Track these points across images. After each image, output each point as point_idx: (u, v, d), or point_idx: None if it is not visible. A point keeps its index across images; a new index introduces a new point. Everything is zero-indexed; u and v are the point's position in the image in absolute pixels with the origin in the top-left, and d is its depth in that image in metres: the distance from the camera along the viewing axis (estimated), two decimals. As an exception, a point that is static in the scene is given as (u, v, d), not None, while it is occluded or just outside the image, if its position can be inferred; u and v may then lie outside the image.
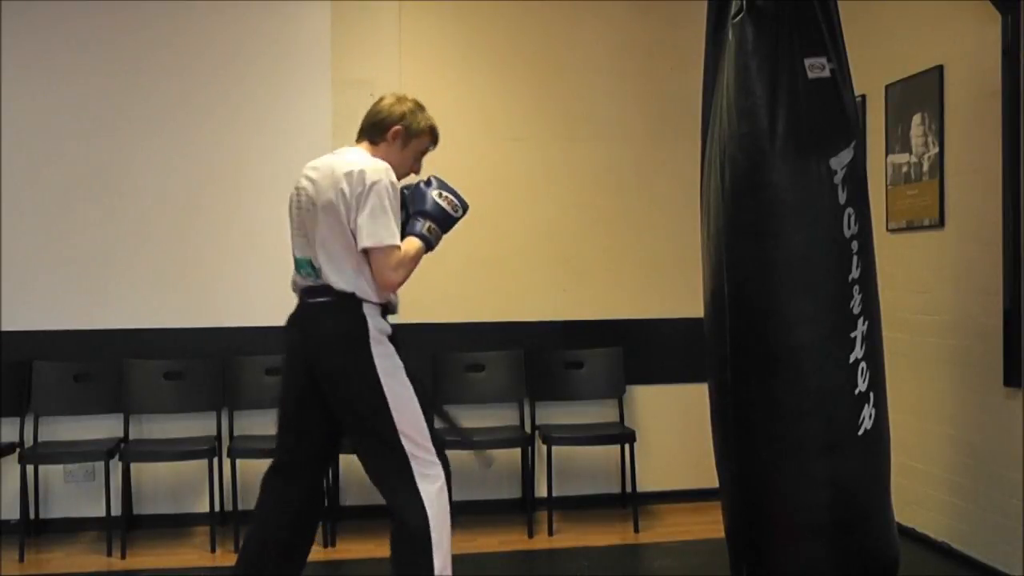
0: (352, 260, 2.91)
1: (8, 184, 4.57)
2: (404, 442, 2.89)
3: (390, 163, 3.00)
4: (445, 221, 3.04)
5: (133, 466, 4.52)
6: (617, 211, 5.03)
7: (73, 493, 4.60)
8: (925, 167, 4.09)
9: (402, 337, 3.02)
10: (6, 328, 4.54)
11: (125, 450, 4.39)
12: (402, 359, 2.96)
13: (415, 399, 2.93)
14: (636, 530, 4.57)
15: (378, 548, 4.29)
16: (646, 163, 5.05)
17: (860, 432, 3.04)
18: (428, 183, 3.07)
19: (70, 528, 4.55)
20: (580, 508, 4.83)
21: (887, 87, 4.33)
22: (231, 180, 4.76)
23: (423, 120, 3.07)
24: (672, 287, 4.97)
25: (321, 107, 4.79)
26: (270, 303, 4.70)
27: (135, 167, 4.67)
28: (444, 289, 4.87)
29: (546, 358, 4.90)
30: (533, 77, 4.98)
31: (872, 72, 4.33)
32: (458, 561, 4.17)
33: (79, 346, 4.60)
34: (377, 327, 2.92)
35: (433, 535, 2.89)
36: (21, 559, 4.19)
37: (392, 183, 2.91)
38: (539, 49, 4.99)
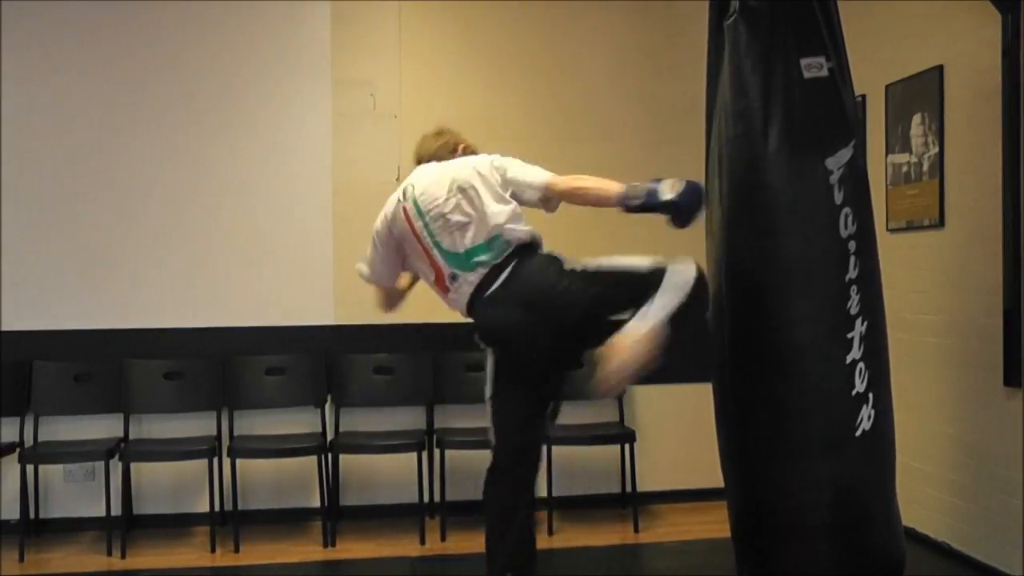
0: (506, 215, 3.06)
1: (8, 184, 4.57)
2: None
3: None
4: (655, 204, 3.00)
5: (133, 466, 4.53)
6: (617, 210, 5.01)
7: (73, 493, 4.60)
8: (925, 167, 4.09)
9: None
10: (6, 328, 4.55)
11: (125, 450, 4.39)
12: None
13: None
14: (636, 530, 4.56)
15: (378, 548, 4.30)
16: (647, 163, 5.02)
17: (858, 433, 3.03)
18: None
19: (70, 528, 4.55)
20: (580, 508, 4.83)
21: (887, 87, 4.33)
22: (231, 180, 4.76)
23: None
24: (672, 287, 4.95)
25: (321, 107, 4.80)
26: (270, 303, 4.76)
27: (134, 167, 4.67)
28: (444, 289, 4.86)
29: (546, 358, 4.89)
30: (533, 77, 4.98)
31: (872, 72, 4.33)
32: (458, 560, 4.20)
33: (79, 346, 4.60)
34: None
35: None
36: (21, 559, 4.19)
37: None
38: (539, 49, 4.99)
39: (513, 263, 3.03)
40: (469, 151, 3.36)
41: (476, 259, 3.04)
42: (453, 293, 3.10)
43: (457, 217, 3.07)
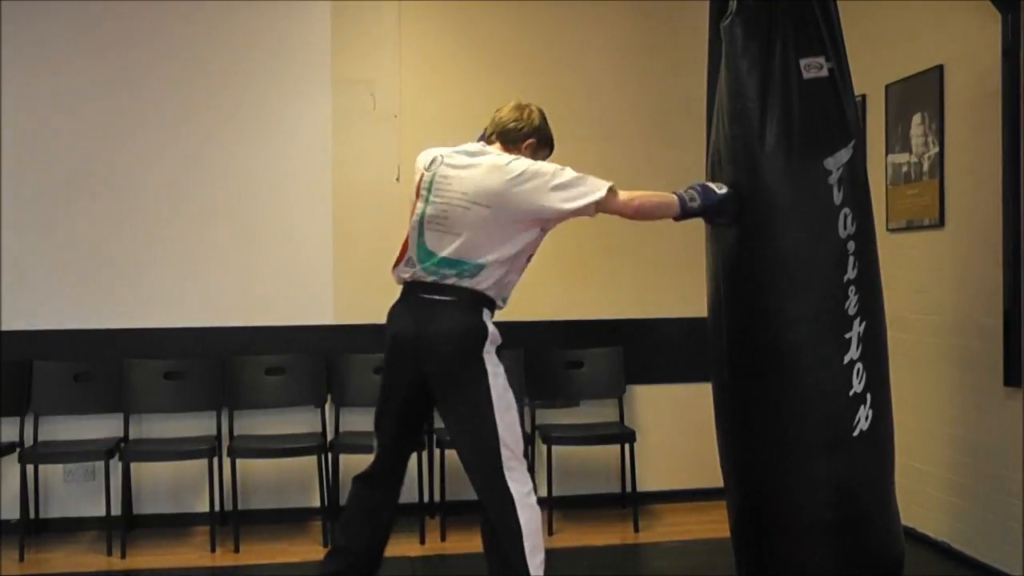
0: (497, 256, 2.92)
1: (8, 184, 4.57)
2: (503, 450, 2.91)
3: None
4: (710, 210, 3.08)
5: (133, 466, 4.52)
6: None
7: (73, 493, 4.60)
8: (925, 167, 4.09)
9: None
10: (6, 328, 4.54)
11: (125, 450, 4.39)
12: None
13: (515, 407, 2.98)
14: (636, 530, 4.56)
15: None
16: (647, 162, 5.04)
17: (855, 433, 3.03)
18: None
19: (70, 528, 4.55)
20: (580, 508, 4.83)
21: (887, 87, 4.33)
22: (231, 179, 4.76)
23: (549, 132, 3.18)
24: (672, 287, 4.96)
25: (321, 107, 4.80)
26: (270, 303, 4.76)
27: (134, 167, 4.67)
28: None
29: (546, 358, 4.90)
30: (533, 76, 4.97)
31: (872, 72, 4.33)
32: (458, 560, 4.20)
33: (79, 346, 4.60)
34: (493, 332, 2.96)
35: (526, 541, 2.90)
36: (21, 559, 4.19)
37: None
38: (539, 48, 4.99)
39: (451, 298, 2.94)
40: (529, 150, 3.09)
41: (440, 268, 2.96)
42: (399, 270, 3.07)
43: (455, 226, 2.95)
